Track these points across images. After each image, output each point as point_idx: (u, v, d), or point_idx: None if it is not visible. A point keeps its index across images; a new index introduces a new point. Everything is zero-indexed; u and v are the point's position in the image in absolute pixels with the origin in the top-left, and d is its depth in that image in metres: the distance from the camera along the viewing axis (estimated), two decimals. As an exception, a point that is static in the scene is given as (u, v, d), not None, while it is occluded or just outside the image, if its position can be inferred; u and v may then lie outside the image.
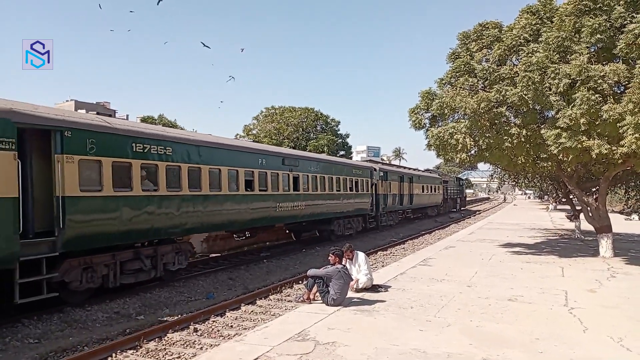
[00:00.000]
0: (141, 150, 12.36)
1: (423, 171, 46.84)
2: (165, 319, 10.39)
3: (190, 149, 14.25)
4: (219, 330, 9.66)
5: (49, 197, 10.24)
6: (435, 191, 45.38)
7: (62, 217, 10.19)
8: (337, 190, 24.43)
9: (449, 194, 52.65)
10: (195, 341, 8.92)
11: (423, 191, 41.04)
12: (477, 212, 56.66)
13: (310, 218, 21.89)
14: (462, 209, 59.19)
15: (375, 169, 30.29)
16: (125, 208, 11.77)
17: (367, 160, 41.01)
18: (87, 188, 10.86)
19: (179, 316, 10.46)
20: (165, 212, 13.01)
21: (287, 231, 23.74)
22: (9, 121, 9.29)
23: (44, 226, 10.24)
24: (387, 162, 77.29)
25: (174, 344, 8.86)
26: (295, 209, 20.19)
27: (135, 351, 8.49)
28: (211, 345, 8.48)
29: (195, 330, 9.61)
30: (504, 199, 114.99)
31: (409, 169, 43.69)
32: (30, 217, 9.94)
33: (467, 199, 76.24)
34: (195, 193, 14.19)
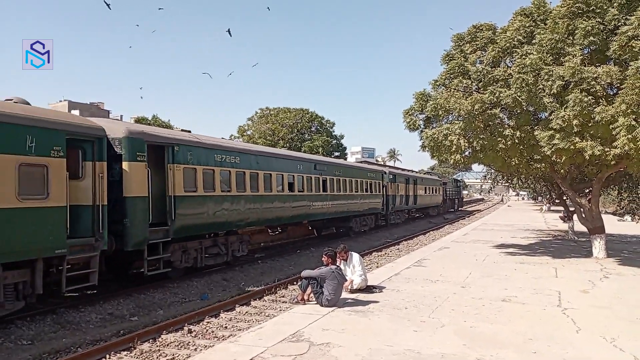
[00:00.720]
0: (220, 160, 15.73)
1: (424, 174, 51.71)
2: (159, 320, 10.38)
3: (251, 158, 17.59)
4: (213, 331, 9.65)
5: (162, 196, 13.29)
6: (436, 192, 48.56)
7: (173, 211, 13.38)
8: (355, 192, 27.79)
9: (448, 194, 55.74)
10: (189, 342, 8.91)
11: (425, 192, 44.23)
12: (474, 212, 58.57)
13: (335, 216, 25.10)
14: (459, 208, 62.77)
15: (385, 172, 33.71)
16: (210, 205, 15.01)
17: (362, 161, 42.79)
18: (188, 189, 14.06)
19: (174, 317, 10.44)
20: (235, 208, 16.24)
21: (310, 228, 26.26)
22: (142, 140, 12.58)
23: (159, 218, 13.23)
24: (382, 163, 78.02)
25: (168, 345, 8.84)
26: (324, 207, 23.51)
27: (129, 352, 8.47)
28: (205, 346, 8.47)
29: (190, 331, 9.60)
30: (502, 200, 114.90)
31: (413, 172, 47.09)
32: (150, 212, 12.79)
33: (463, 199, 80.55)
34: (254, 194, 17.41)
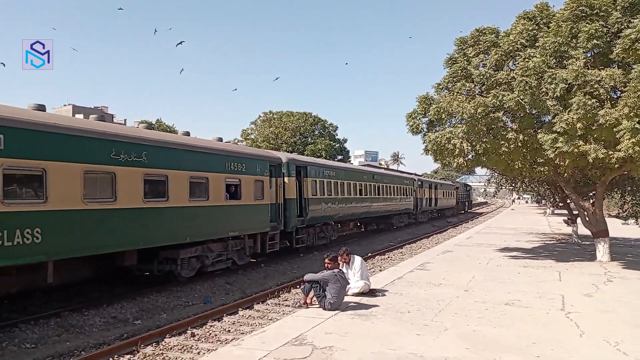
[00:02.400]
0: (329, 173, 23.60)
1: (441, 179, 62.02)
2: (162, 323, 10.39)
3: (341, 172, 25.63)
4: (216, 335, 9.65)
5: (300, 198, 20.32)
6: (451, 196, 56.01)
7: (307, 208, 20.59)
8: (396, 195, 35.32)
9: (460, 197, 62.90)
10: (192, 346, 8.91)
11: (443, 196, 51.49)
12: (480, 215, 61.97)
13: (383, 214, 32.70)
14: (469, 210, 71.07)
15: (415, 179, 41.87)
16: (323, 204, 22.48)
17: (365, 165, 45.83)
18: (314, 194, 21.47)
19: (177, 321, 10.45)
20: (333, 207, 23.75)
21: (359, 224, 33.31)
22: (293, 163, 20.00)
23: (299, 212, 20.09)
24: (385, 166, 79.08)
25: (171, 348, 8.84)
26: (378, 207, 31.25)
27: (132, 356, 8.47)
28: (209, 350, 8.47)
29: (193, 335, 9.60)
30: (513, 201, 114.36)
31: (432, 178, 56.86)
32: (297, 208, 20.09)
33: (472, 202, 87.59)
34: (343, 197, 25.00)
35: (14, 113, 9.57)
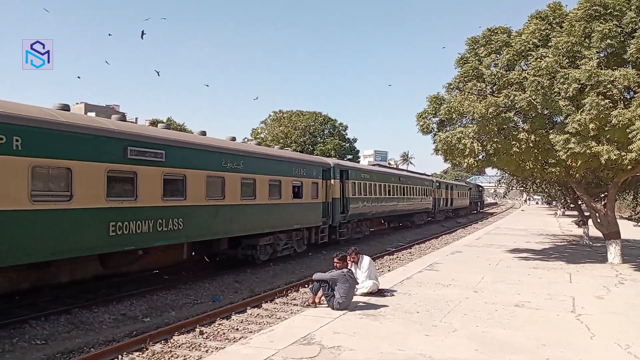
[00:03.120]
0: (364, 176, 26.98)
1: (455, 181, 64.85)
2: (171, 321, 10.43)
3: (373, 175, 28.87)
4: (224, 333, 9.67)
5: (343, 198, 23.59)
6: (465, 196, 59.65)
7: (347, 206, 23.86)
8: (418, 195, 38.36)
9: (472, 198, 66.44)
10: (201, 344, 8.93)
11: (458, 196, 54.67)
12: (490, 215, 63.34)
13: (406, 212, 35.80)
14: (480, 210, 74.52)
15: (434, 181, 45.04)
16: (360, 203, 25.77)
17: (374, 164, 46.98)
18: (353, 194, 24.63)
19: (185, 319, 10.49)
20: (369, 205, 27.19)
21: (382, 221, 34.92)
22: (337, 168, 23.32)
23: (341, 210, 23.28)
24: (395, 166, 79.89)
25: (179, 346, 8.87)
26: (403, 206, 34.45)
27: (141, 353, 8.51)
28: (217, 348, 8.50)
29: (201, 332, 9.63)
30: (525, 201, 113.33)
31: (442, 178, 59.62)
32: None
33: (484, 202, 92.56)
34: (375, 196, 28.22)
35: (170, 135, 13.81)
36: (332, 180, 22.36)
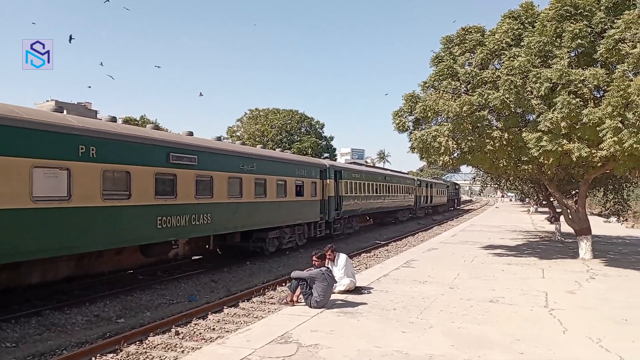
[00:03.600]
0: (355, 176, 29.11)
1: (434, 179, 68.25)
2: (146, 322, 10.28)
3: (362, 174, 31.03)
4: (201, 333, 9.58)
5: (336, 196, 25.55)
6: (443, 194, 62.89)
7: (341, 203, 26.02)
8: (401, 193, 41.17)
9: (450, 195, 69.90)
10: (176, 344, 8.84)
11: (437, 194, 57.81)
12: (465, 212, 64.78)
13: (391, 209, 38.20)
14: (457, 207, 78.34)
15: (415, 179, 48.01)
16: (352, 201, 28.08)
17: (352, 162, 47.21)
18: (346, 192, 26.96)
19: (161, 319, 10.36)
20: (359, 202, 29.62)
21: (367, 217, 36.28)
22: (332, 169, 25.40)
23: (335, 207, 25.30)
24: (372, 164, 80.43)
25: (155, 347, 8.76)
26: (388, 203, 37.11)
27: (115, 355, 8.38)
28: (193, 349, 8.41)
29: (177, 333, 9.53)
30: (503, 196, 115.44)
31: (418, 176, 60.33)
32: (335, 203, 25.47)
33: (460, 200, 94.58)
34: (364, 194, 30.72)
35: (201, 142, 15.78)
36: (328, 180, 24.45)
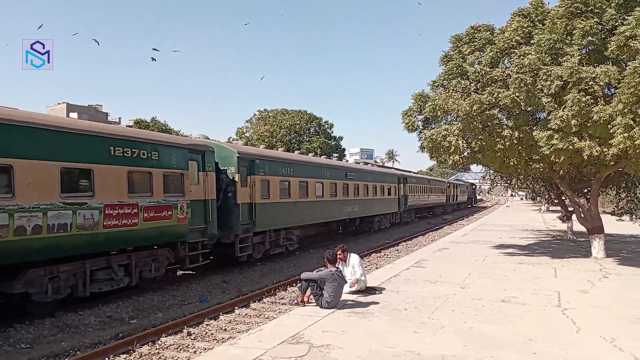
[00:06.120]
0: (414, 181, 41.55)
1: (456, 181, 79.51)
2: (158, 322, 10.35)
3: (417, 179, 44.24)
4: (212, 334, 9.63)
5: (403, 195, 38.89)
6: (464, 193, 74.69)
7: (407, 200, 39.17)
8: (438, 193, 51.68)
9: (469, 194, 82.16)
10: (188, 345, 8.88)
11: (460, 193, 69.34)
12: (475, 212, 64.85)
13: (430, 205, 49.04)
14: (474, 205, 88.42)
15: (445, 182, 60.14)
16: (412, 198, 40.55)
17: (360, 163, 48.01)
18: (409, 193, 39.72)
19: (173, 320, 10.41)
20: (416, 200, 41.38)
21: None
22: (402, 177, 38.81)
23: (403, 203, 39.06)
24: (381, 164, 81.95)
25: (167, 347, 8.82)
26: (431, 200, 48.35)
27: (128, 355, 8.44)
28: (205, 349, 8.45)
29: (189, 333, 9.58)
30: (507, 199, 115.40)
31: (428, 175, 73.75)
32: None
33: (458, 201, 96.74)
34: (420, 194, 42.85)
35: (357, 166, 31.98)
36: (401, 185, 36.64)
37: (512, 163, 14.33)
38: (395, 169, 49.85)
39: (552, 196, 29.66)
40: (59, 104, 78.07)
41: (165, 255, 13.59)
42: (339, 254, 10.29)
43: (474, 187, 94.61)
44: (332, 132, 69.03)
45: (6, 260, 9.33)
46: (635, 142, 10.85)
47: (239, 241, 16.42)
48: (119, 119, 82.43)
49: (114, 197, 11.51)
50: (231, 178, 16.29)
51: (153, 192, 12.73)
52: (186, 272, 15.72)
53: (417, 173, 60.75)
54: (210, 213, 14.91)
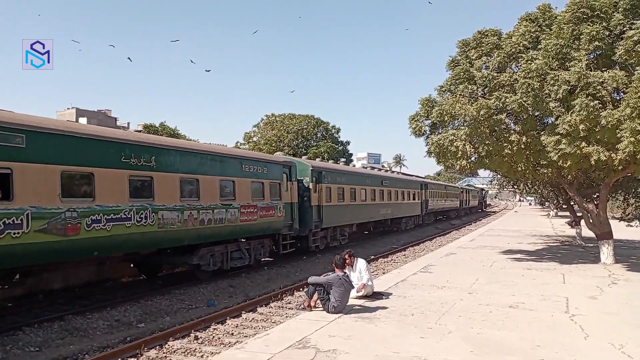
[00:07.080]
0: (433, 187, 47.78)
1: (468, 186, 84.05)
2: (166, 326, 10.39)
3: (437, 186, 50.77)
4: (219, 338, 9.65)
5: (425, 199, 44.28)
6: (475, 198, 79.23)
7: (427, 204, 44.56)
8: (453, 198, 56.63)
9: (480, 199, 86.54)
10: (196, 349, 8.91)
11: (472, 198, 73.79)
12: (483, 217, 64.81)
13: (446, 209, 54.01)
14: (484, 209, 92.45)
15: (459, 187, 65.35)
16: (433, 203, 45.62)
17: (367, 167, 49.12)
18: (430, 197, 44.97)
19: (180, 324, 10.45)
20: (436, 203, 47.38)
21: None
22: (424, 183, 45.15)
23: (425, 206, 43.84)
24: (389, 169, 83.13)
25: (174, 351, 8.85)
26: (446, 205, 52.99)
27: (136, 359, 8.48)
28: (212, 353, 8.47)
29: (196, 338, 9.60)
30: (515, 204, 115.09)
31: (437, 180, 74.82)
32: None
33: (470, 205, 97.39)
34: (439, 199, 48.74)
35: (391, 175, 42.11)
36: (422, 190, 40.94)
37: (519, 168, 14.29)
38: (417, 176, 54.52)
39: (561, 201, 29.54)
40: (68, 108, 78.64)
41: (269, 243, 18.45)
42: (347, 258, 10.29)
43: (484, 192, 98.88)
44: (339, 137, 69.16)
45: (195, 240, 14.13)
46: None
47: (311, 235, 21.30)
48: (128, 123, 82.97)
49: (245, 200, 16.34)
50: (306, 186, 20.92)
51: (264, 196, 17.49)
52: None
53: (434, 179, 67.55)
54: (295, 212, 19.70)
